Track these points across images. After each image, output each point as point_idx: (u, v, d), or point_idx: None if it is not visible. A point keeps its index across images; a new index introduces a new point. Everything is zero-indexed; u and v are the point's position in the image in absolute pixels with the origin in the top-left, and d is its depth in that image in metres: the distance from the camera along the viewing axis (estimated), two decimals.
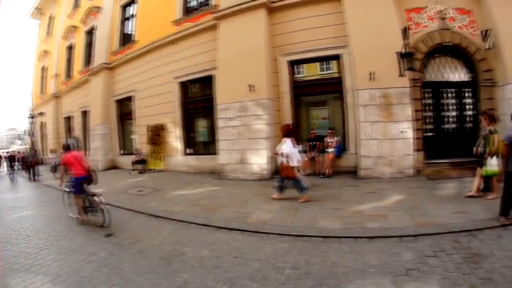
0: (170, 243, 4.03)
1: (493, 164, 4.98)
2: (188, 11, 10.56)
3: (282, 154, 5.46)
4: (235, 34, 8.56)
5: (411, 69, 7.05)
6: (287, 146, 5.41)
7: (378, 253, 3.42)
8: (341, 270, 3.09)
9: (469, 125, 8.04)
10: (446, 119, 8.02)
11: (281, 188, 5.69)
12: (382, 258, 3.30)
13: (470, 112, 8.08)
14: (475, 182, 5.19)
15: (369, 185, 6.48)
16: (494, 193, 5.13)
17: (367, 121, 7.24)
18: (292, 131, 5.80)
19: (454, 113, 7.99)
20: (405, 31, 7.43)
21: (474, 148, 5.38)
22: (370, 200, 5.32)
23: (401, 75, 7.13)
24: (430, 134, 7.95)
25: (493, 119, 5.23)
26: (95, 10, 14.49)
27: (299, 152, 5.77)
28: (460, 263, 3.16)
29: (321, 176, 7.49)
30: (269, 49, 8.45)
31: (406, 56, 6.93)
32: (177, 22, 10.47)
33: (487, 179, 5.19)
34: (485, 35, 7.83)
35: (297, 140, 6.04)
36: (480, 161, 5.19)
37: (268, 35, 8.47)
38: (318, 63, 8.69)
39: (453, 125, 8.01)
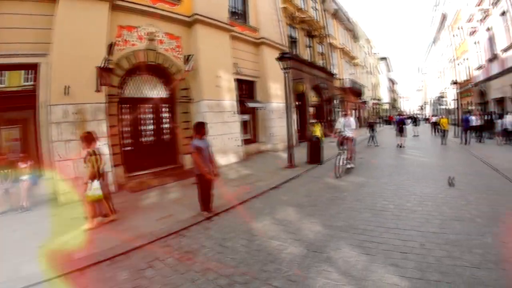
0: None
1: (96, 188, 5.08)
2: None
3: None
4: None
5: (107, 84, 7.76)
6: None
7: (93, 283, 3.43)
8: None
9: (166, 137, 9.98)
10: (144, 133, 9.46)
11: None
12: (99, 287, 3.36)
13: (167, 125, 10.05)
14: (89, 211, 5.15)
15: (73, 210, 6.16)
16: (111, 214, 5.38)
17: (61, 140, 7.09)
18: None
19: (152, 127, 9.61)
20: (111, 47, 8.11)
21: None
22: (75, 227, 5.18)
23: (98, 90, 7.65)
24: (129, 148, 8.95)
25: (91, 140, 5.29)
26: None
27: None
28: (176, 265, 3.67)
29: (20, 210, 6.58)
30: None
31: (104, 71, 7.59)
32: None
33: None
34: (187, 59, 10.15)
35: None
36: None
37: None
38: (16, 72, 7.56)
39: (151, 138, 9.62)
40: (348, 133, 9.02)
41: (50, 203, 7.12)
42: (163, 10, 9.74)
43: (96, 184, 5.11)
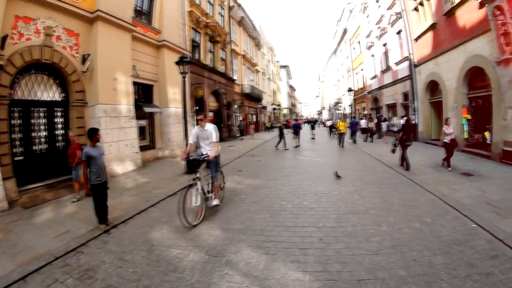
0: None
1: None
2: None
3: None
4: None
5: None
6: None
7: None
8: None
9: (60, 144, 9.59)
10: (37, 140, 8.95)
11: None
12: None
13: (60, 132, 9.65)
14: None
15: None
16: None
17: None
18: None
19: (44, 133, 9.16)
20: (4, 40, 7.55)
21: None
22: None
23: None
24: (20, 158, 8.39)
25: None
26: None
27: None
28: (77, 285, 3.54)
29: None
30: None
31: None
32: None
33: None
34: (84, 58, 9.99)
35: None
36: None
37: None
38: None
39: (44, 146, 9.15)
40: (206, 150, 6.07)
41: None
42: (65, 3, 9.42)
43: None
